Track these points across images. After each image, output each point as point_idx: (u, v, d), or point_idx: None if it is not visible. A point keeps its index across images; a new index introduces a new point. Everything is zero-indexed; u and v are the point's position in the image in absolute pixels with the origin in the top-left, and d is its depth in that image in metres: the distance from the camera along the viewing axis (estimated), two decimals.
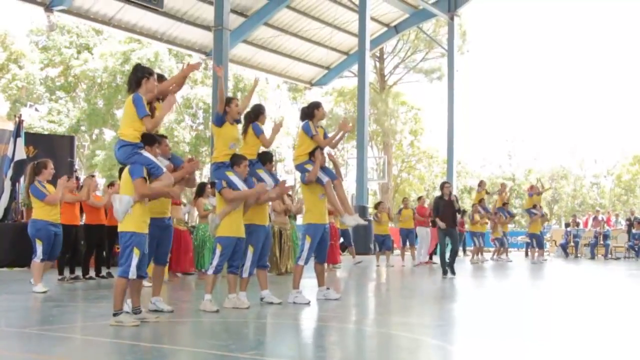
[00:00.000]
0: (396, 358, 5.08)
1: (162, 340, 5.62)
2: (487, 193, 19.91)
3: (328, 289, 8.47)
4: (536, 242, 18.53)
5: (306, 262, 8.08)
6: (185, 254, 11.62)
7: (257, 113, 7.93)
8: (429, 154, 42.56)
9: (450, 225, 12.26)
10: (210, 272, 7.26)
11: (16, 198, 13.89)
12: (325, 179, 7.97)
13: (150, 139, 6.25)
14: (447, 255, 12.40)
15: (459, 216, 13.65)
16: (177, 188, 6.55)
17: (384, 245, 16.01)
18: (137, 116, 6.09)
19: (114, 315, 6.00)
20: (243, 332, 6.10)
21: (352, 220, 8.31)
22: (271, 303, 7.76)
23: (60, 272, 10.63)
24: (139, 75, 6.27)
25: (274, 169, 8.43)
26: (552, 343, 5.63)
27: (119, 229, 6.02)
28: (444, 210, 12.25)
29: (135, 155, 6.08)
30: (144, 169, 6.02)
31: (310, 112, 8.35)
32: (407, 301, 9.10)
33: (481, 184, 19.81)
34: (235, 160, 7.32)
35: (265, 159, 7.95)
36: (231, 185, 7.23)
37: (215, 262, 7.22)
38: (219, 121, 7.44)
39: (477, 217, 18.22)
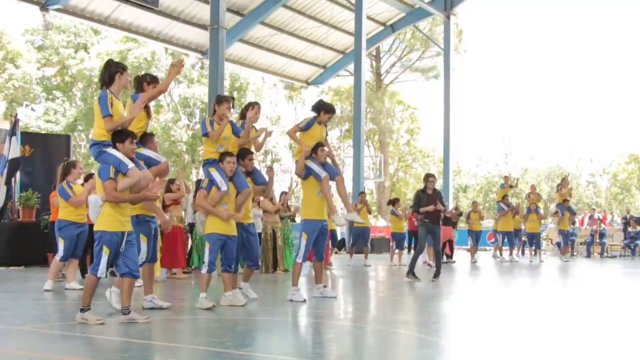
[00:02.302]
0: (392, 355, 5.11)
1: (158, 337, 5.63)
2: (512, 187, 19.93)
3: (325, 286, 8.50)
4: (508, 239, 18.59)
5: (304, 259, 8.10)
6: (182, 251, 11.65)
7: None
8: (425, 153, 42.65)
9: (433, 222, 11.31)
10: (203, 270, 7.29)
11: (12, 197, 13.87)
12: (323, 174, 7.99)
13: (120, 135, 6.08)
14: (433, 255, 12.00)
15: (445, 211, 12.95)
16: (156, 188, 6.36)
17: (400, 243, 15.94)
18: (101, 114, 6.02)
19: (81, 311, 6.01)
20: (239, 330, 6.11)
21: (350, 217, 8.39)
22: (247, 297, 7.83)
23: (85, 271, 10.74)
24: (112, 70, 6.16)
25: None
26: (547, 341, 5.65)
27: (96, 229, 6.02)
28: (427, 204, 11.25)
29: (102, 154, 6.01)
30: (112, 168, 5.94)
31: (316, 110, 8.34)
32: (405, 299, 9.12)
33: (505, 179, 19.85)
34: (221, 156, 7.36)
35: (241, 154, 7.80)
36: (213, 182, 7.28)
37: (206, 259, 7.26)
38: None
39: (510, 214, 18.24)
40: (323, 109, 8.32)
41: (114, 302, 6.80)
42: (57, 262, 9.11)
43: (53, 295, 8.59)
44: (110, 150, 6.02)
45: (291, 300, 7.90)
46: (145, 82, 6.86)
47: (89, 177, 11.15)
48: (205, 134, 7.47)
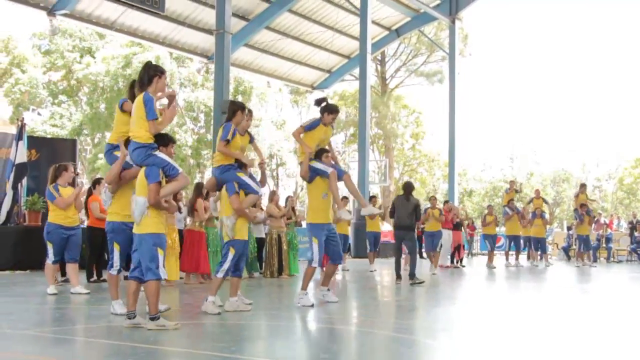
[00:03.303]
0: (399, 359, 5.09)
1: (163, 342, 5.63)
2: (517, 192, 19.87)
3: (329, 290, 8.49)
4: (514, 244, 18.51)
5: (319, 264, 8.11)
6: (204, 257, 11.42)
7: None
8: (430, 157, 42.59)
9: (403, 229, 11.75)
10: (220, 275, 7.21)
11: (18, 201, 13.92)
12: (329, 169, 7.99)
13: (165, 139, 6.15)
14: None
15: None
16: (171, 205, 6.35)
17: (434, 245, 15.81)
18: (146, 117, 6.00)
19: (152, 319, 5.93)
20: (244, 335, 6.11)
21: (368, 212, 8.63)
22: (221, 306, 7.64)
23: (90, 275, 10.96)
24: (151, 72, 6.14)
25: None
26: (552, 345, 5.63)
27: (136, 231, 5.95)
28: (401, 210, 11.73)
29: (151, 157, 5.99)
30: (160, 171, 5.98)
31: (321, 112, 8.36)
32: (411, 304, 9.10)
33: (511, 184, 19.84)
34: (240, 163, 7.42)
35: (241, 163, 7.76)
36: (244, 186, 7.29)
37: (227, 265, 7.20)
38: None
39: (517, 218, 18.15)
40: (327, 110, 8.31)
41: (118, 310, 6.82)
42: (50, 266, 9.14)
43: (57, 299, 8.60)
44: (159, 153, 6.03)
45: (299, 304, 7.90)
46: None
47: (96, 182, 11.18)
48: (227, 141, 7.32)
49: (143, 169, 6.03)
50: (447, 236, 16.62)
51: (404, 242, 12.05)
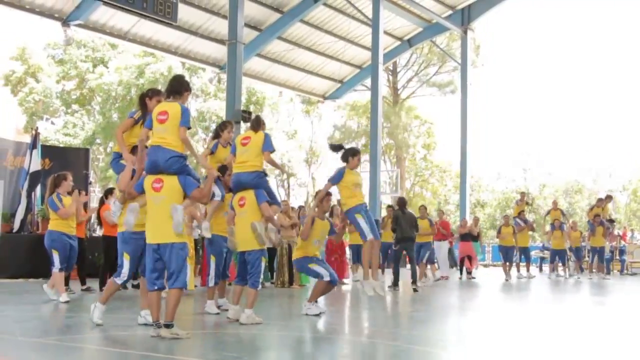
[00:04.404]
0: None
1: (175, 351, 5.63)
2: (528, 204, 19.71)
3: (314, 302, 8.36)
4: (524, 255, 18.32)
5: (333, 279, 8.09)
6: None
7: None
8: (442, 168, 42.49)
9: (409, 240, 12.57)
10: (255, 287, 7.13)
11: (32, 209, 14.02)
12: (369, 235, 7.92)
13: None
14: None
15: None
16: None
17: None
18: (180, 124, 6.12)
19: (166, 326, 5.90)
20: (255, 344, 6.11)
21: (369, 289, 8.00)
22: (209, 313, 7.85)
23: (83, 283, 11.14)
24: (186, 86, 6.40)
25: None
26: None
27: (163, 240, 5.94)
28: (403, 223, 12.55)
29: (188, 167, 6.28)
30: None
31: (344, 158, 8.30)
32: (421, 315, 9.06)
33: (522, 196, 19.67)
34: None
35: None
36: (271, 195, 7.45)
37: (258, 277, 7.15)
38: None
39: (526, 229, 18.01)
40: (350, 154, 8.20)
41: (96, 317, 6.68)
42: (57, 274, 9.28)
43: (70, 307, 8.64)
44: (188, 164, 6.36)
45: (307, 313, 7.91)
46: (147, 97, 6.86)
47: (109, 192, 11.25)
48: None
49: (174, 177, 6.04)
50: (438, 247, 16.47)
51: (407, 252, 12.84)
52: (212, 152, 8.10)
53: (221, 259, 7.99)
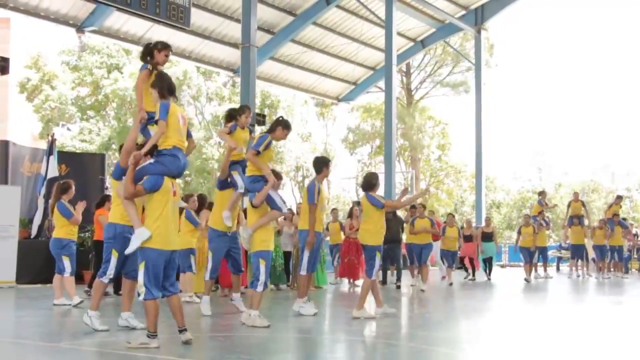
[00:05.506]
0: None
1: (189, 354, 5.64)
2: (548, 206, 19.32)
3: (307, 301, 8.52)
4: (542, 255, 17.89)
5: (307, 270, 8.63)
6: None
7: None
8: (457, 169, 42.30)
9: (396, 241, 13.51)
10: (260, 289, 7.17)
11: (49, 215, 14.11)
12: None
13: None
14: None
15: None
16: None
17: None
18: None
19: (181, 331, 5.86)
20: (270, 347, 6.10)
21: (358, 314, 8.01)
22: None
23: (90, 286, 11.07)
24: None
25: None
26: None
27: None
28: (393, 226, 12.95)
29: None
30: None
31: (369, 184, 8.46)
32: (435, 316, 9.02)
33: (543, 195, 19.18)
34: (277, 175, 7.72)
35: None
36: (270, 200, 7.42)
37: (263, 277, 7.18)
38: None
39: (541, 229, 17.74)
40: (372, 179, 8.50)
41: (133, 323, 6.79)
42: (69, 279, 9.44)
43: (84, 311, 8.67)
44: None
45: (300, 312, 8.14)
46: (157, 49, 6.80)
47: (105, 199, 11.26)
48: (258, 152, 7.52)
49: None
50: (435, 247, 16.16)
51: (393, 253, 13.70)
52: (230, 132, 8.03)
53: (218, 255, 8.06)
